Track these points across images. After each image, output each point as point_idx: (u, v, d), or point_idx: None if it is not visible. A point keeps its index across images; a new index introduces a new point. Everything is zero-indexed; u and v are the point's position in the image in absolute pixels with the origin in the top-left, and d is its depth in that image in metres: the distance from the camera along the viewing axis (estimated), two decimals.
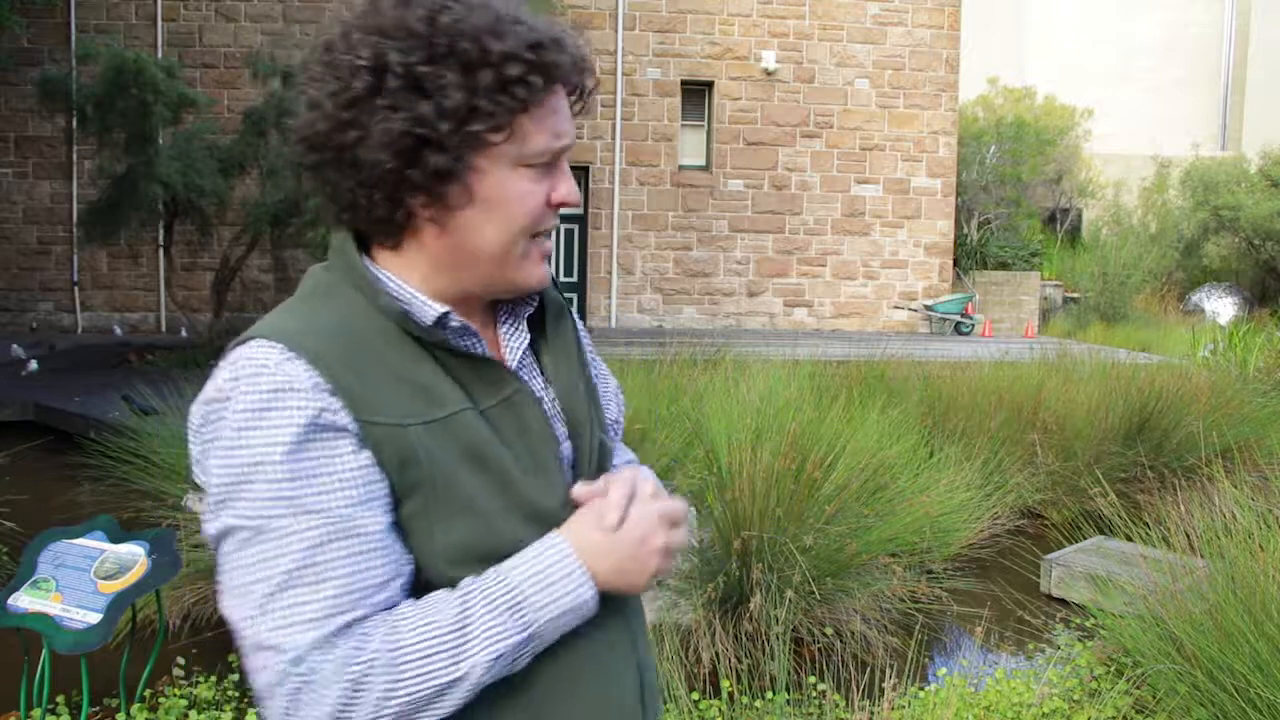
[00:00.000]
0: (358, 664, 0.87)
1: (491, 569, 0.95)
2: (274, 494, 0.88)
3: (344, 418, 0.91)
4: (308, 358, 0.91)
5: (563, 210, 1.06)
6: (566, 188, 1.02)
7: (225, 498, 0.90)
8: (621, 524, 0.99)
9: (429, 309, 0.98)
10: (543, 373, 1.10)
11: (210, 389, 0.93)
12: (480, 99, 0.93)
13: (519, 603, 0.93)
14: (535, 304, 1.11)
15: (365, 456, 0.91)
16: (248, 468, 0.88)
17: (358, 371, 0.93)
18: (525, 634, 0.93)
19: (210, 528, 0.92)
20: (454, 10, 0.93)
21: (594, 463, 1.10)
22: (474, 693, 0.93)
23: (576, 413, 1.09)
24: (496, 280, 1.02)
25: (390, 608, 0.92)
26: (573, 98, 1.02)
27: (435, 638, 0.90)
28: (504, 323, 1.09)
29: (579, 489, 1.03)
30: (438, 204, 0.96)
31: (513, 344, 1.08)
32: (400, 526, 0.95)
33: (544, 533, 0.99)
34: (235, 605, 0.90)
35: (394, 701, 0.88)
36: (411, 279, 1.00)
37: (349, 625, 0.88)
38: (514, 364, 1.07)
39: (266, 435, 0.88)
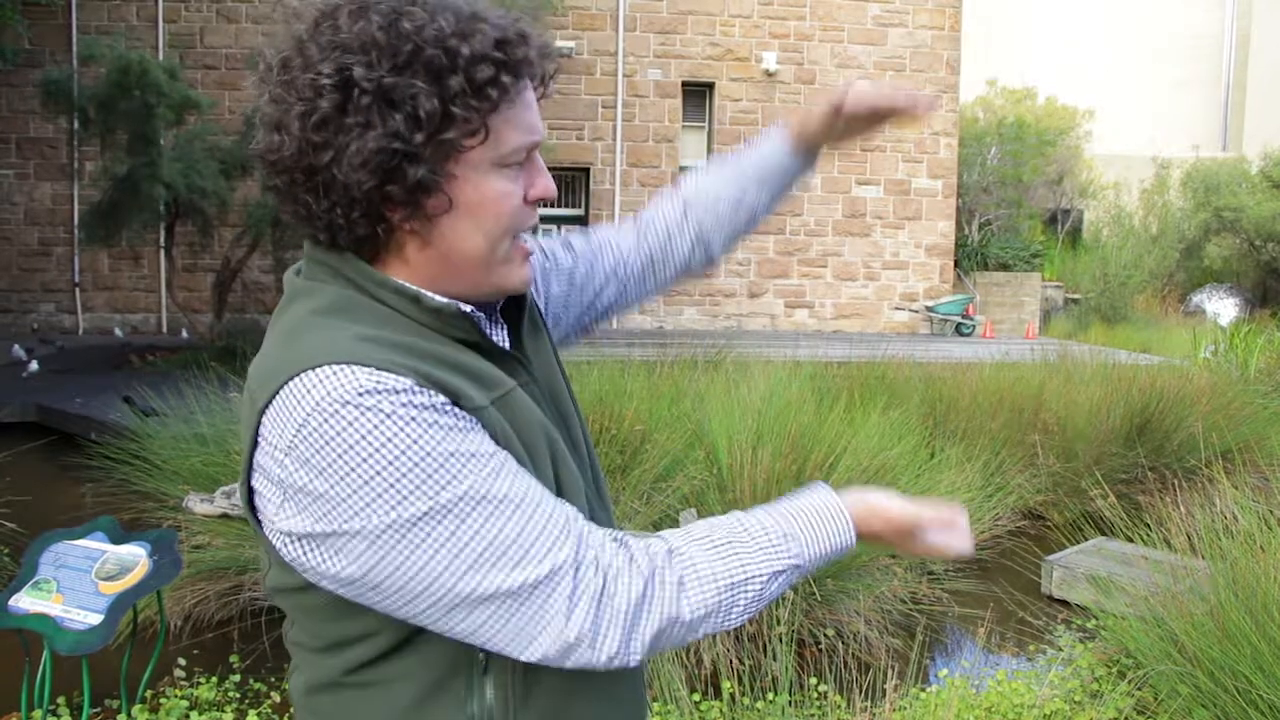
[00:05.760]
0: (648, 554, 0.92)
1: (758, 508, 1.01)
2: (461, 464, 0.86)
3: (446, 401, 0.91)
4: (389, 367, 0.88)
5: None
6: (544, 183, 1.00)
7: (413, 489, 0.84)
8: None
9: (453, 304, 0.97)
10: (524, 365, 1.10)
11: (295, 421, 0.85)
12: (452, 105, 0.90)
13: (790, 532, 0.98)
14: (502, 300, 1.08)
15: None
16: (424, 458, 0.85)
17: (430, 368, 0.92)
18: (794, 561, 0.98)
19: (384, 518, 0.84)
20: (414, 15, 0.90)
21: (588, 446, 1.12)
22: (757, 609, 0.97)
23: (561, 402, 1.10)
24: (482, 285, 1.00)
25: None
26: (538, 88, 0.99)
27: (718, 544, 0.96)
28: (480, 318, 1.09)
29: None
30: (418, 216, 0.93)
31: (497, 336, 1.05)
32: None
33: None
34: (478, 572, 0.86)
35: (691, 597, 0.93)
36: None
37: (591, 529, 0.93)
38: None
39: (421, 429, 0.85)
